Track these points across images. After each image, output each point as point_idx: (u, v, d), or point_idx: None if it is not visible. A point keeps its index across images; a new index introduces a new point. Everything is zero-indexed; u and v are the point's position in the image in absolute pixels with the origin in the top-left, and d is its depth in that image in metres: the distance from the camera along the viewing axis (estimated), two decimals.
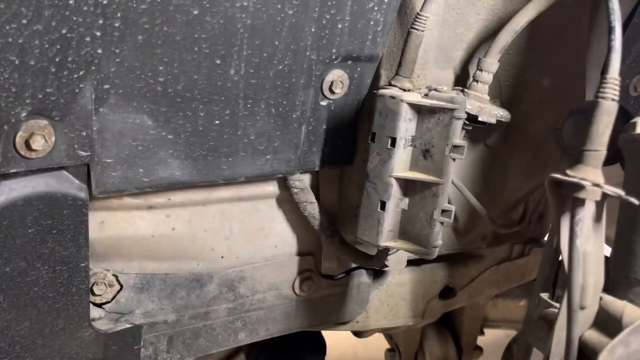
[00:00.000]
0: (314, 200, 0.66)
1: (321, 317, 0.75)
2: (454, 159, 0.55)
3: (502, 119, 0.65)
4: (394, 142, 0.55)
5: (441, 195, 0.56)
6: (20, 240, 0.50)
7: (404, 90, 0.58)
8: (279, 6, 0.52)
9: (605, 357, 0.44)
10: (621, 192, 0.42)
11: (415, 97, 0.55)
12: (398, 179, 0.57)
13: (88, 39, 0.46)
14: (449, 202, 0.57)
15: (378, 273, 0.79)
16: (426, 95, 0.57)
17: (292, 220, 0.69)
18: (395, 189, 0.57)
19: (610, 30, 0.46)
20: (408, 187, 0.57)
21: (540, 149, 0.80)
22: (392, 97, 0.55)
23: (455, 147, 0.55)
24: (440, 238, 0.57)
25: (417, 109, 0.56)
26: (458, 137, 0.55)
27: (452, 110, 0.54)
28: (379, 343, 1.29)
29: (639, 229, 0.49)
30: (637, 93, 0.71)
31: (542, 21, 0.63)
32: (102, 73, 0.48)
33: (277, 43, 0.54)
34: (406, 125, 0.56)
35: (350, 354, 1.98)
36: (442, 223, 0.56)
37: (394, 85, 0.60)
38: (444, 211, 0.56)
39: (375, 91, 0.57)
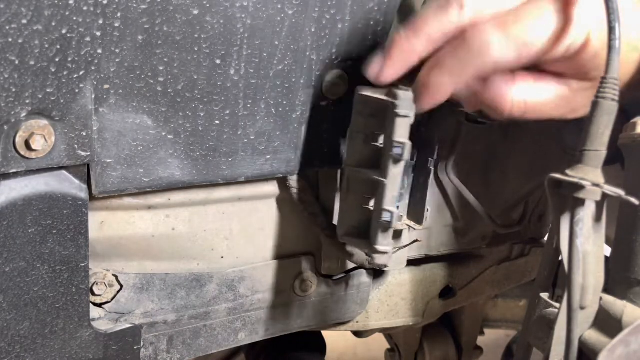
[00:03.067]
0: (314, 200, 0.66)
1: (321, 317, 0.75)
2: (396, 159, 0.53)
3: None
4: (351, 134, 0.56)
5: (383, 195, 0.54)
6: (20, 240, 0.50)
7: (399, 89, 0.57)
8: (279, 6, 0.52)
9: (605, 357, 0.44)
10: (621, 192, 0.42)
11: (370, 91, 0.54)
12: (355, 173, 0.57)
13: (88, 39, 0.46)
14: (393, 204, 0.54)
15: (378, 273, 0.79)
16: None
17: (292, 220, 0.69)
18: (352, 184, 0.57)
19: (610, 30, 0.46)
20: (376, 186, 0.56)
21: (540, 149, 0.80)
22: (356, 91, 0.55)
23: (397, 145, 0.52)
24: (386, 243, 0.55)
25: (383, 104, 0.54)
26: (402, 135, 0.52)
27: (392, 106, 0.52)
28: (379, 343, 1.29)
29: (639, 229, 0.49)
30: None
31: None
32: (102, 73, 0.48)
33: (277, 43, 0.54)
34: (364, 120, 0.55)
35: (350, 354, 1.98)
36: (385, 226, 0.54)
37: (394, 85, 0.60)
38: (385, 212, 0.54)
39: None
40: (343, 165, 0.57)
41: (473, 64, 0.48)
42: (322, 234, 0.67)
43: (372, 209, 0.57)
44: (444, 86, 0.50)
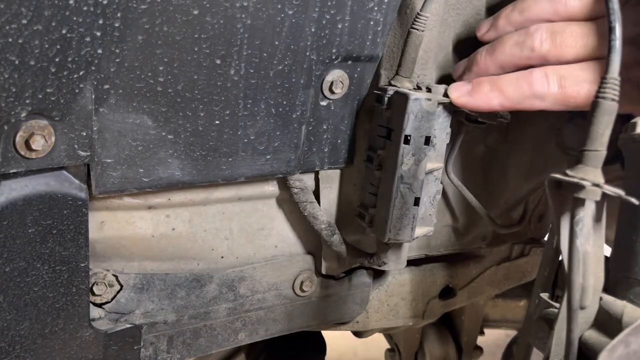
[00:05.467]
0: (314, 200, 0.66)
1: (321, 317, 0.75)
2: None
3: (502, 119, 0.65)
4: (427, 140, 0.58)
5: (440, 177, 0.61)
6: (20, 240, 0.50)
7: (409, 90, 0.59)
8: (279, 6, 0.52)
9: (605, 357, 0.44)
10: (621, 192, 0.42)
11: (442, 98, 0.59)
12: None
13: (88, 39, 0.46)
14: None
15: (378, 273, 0.79)
16: (429, 91, 0.59)
17: (292, 220, 0.69)
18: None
19: (610, 30, 0.46)
20: None
21: (540, 149, 0.80)
22: (429, 100, 0.57)
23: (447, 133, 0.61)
24: None
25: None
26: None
27: (450, 103, 0.58)
28: (379, 343, 1.29)
29: (639, 229, 0.49)
30: None
31: None
32: (102, 73, 0.48)
33: (277, 43, 0.54)
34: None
35: (350, 354, 1.98)
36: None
37: (395, 85, 0.60)
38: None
39: (403, 94, 0.57)
40: (402, 174, 0.60)
41: (529, 102, 0.57)
42: (322, 234, 0.67)
43: None
44: (492, 102, 0.58)
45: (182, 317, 0.65)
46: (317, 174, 0.67)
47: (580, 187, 0.42)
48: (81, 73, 0.47)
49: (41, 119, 0.47)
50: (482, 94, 0.58)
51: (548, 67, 0.56)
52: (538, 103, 0.56)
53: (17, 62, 0.44)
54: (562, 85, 0.55)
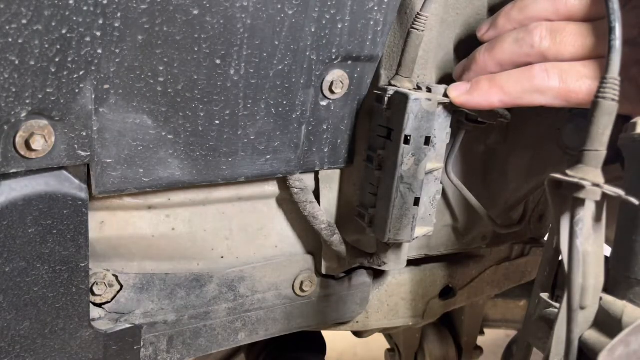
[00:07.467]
0: (314, 200, 0.66)
1: (321, 317, 0.75)
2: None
3: (502, 119, 0.65)
4: (427, 140, 0.58)
5: (440, 177, 0.61)
6: (20, 240, 0.50)
7: (409, 90, 0.59)
8: (279, 6, 0.52)
9: (605, 357, 0.44)
10: (621, 192, 0.42)
11: (442, 98, 0.59)
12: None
13: (88, 39, 0.46)
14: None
15: (378, 273, 0.79)
16: (429, 91, 0.59)
17: (292, 220, 0.69)
18: None
19: (610, 30, 0.46)
20: None
21: (540, 149, 0.80)
22: (429, 100, 0.57)
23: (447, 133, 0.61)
24: None
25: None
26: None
27: (450, 103, 0.58)
28: (379, 343, 1.29)
29: (639, 229, 0.49)
30: None
31: None
32: (102, 73, 0.48)
33: (277, 43, 0.54)
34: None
35: (350, 354, 1.98)
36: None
37: (395, 85, 0.60)
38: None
39: (403, 94, 0.57)
40: (402, 174, 0.59)
41: (529, 97, 0.56)
42: (322, 234, 0.67)
43: None
44: (492, 99, 0.58)
45: (182, 317, 0.65)
46: (317, 174, 0.67)
47: (580, 187, 0.42)
48: (81, 73, 0.47)
49: (41, 119, 0.47)
50: (482, 91, 0.57)
51: (548, 63, 0.56)
52: (539, 98, 0.56)
53: (17, 62, 0.44)
54: (564, 80, 0.55)
